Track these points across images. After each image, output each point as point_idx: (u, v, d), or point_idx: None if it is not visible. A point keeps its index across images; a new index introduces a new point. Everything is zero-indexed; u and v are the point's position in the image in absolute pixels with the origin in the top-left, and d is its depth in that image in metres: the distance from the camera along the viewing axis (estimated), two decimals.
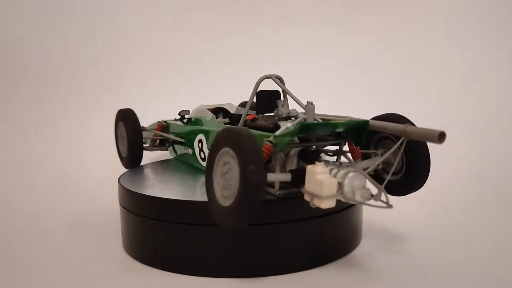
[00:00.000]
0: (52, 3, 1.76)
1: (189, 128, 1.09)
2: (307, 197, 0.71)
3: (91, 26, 1.78)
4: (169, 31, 1.83)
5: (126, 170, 1.14)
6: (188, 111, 1.15)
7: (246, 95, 1.38)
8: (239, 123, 0.93)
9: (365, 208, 0.99)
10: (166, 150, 1.25)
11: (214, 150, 0.74)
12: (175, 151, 1.20)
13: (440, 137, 0.66)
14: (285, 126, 0.83)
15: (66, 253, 0.95)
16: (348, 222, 0.91)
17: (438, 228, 1.06)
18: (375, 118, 0.86)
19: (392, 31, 1.79)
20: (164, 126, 1.22)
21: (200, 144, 1.01)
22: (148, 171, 1.10)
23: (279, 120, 0.89)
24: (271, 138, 0.74)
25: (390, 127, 0.77)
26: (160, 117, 1.27)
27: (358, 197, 0.70)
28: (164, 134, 1.19)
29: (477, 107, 1.66)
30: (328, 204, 0.68)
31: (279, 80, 0.92)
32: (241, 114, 1.12)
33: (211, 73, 1.79)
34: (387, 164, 0.87)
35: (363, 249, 0.94)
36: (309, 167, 0.70)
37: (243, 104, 1.29)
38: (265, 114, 0.97)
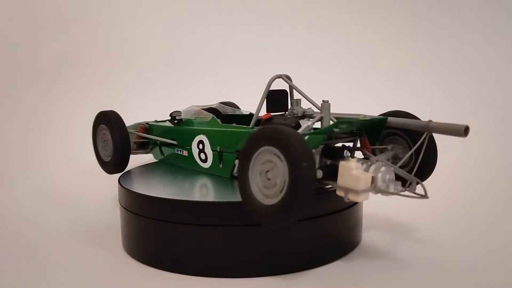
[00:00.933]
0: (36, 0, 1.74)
1: (184, 129, 1.07)
2: (340, 192, 0.74)
3: (73, 23, 1.76)
4: (147, 30, 1.81)
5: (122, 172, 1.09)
6: (180, 112, 1.10)
7: (223, 95, 1.39)
8: (251, 123, 0.90)
9: (364, 208, 1.00)
10: (148, 153, 1.22)
11: (249, 150, 0.74)
12: (162, 154, 1.17)
13: (466, 130, 0.73)
14: (306, 124, 0.84)
15: (66, 253, 0.95)
16: (348, 221, 0.91)
17: (439, 226, 1.07)
18: (382, 116, 0.89)
19: (392, 29, 1.79)
20: (146, 128, 1.19)
21: (200, 145, 1.01)
22: (147, 172, 1.09)
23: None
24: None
25: (412, 123, 0.81)
26: (131, 119, 1.22)
27: (392, 189, 0.75)
28: (150, 136, 1.16)
29: (478, 105, 1.66)
30: (363, 197, 0.72)
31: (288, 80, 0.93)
32: (232, 114, 1.11)
33: (184, 76, 1.77)
34: (394, 158, 0.91)
35: (363, 248, 0.94)
36: (343, 163, 0.73)
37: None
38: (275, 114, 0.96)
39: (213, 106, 1.14)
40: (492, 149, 1.55)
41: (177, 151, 1.09)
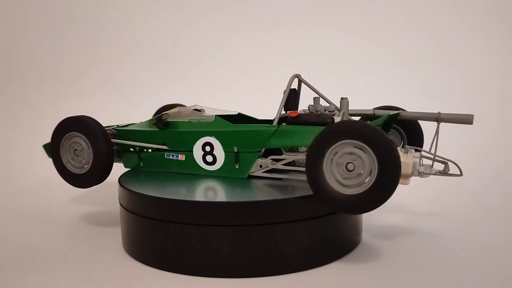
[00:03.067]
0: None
1: (180, 132, 1.00)
2: None
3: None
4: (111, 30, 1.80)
5: (123, 171, 1.05)
6: (168, 114, 1.03)
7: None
8: (275, 121, 0.93)
9: None
10: (118, 162, 1.09)
11: (323, 144, 0.78)
12: (140, 160, 1.06)
13: (473, 119, 0.89)
14: (338, 120, 0.90)
15: (66, 253, 0.95)
16: (348, 221, 0.91)
17: (438, 226, 1.07)
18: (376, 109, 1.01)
19: (391, 27, 1.79)
20: (114, 134, 1.06)
21: (207, 147, 0.97)
22: (147, 172, 1.09)
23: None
24: None
25: (423, 115, 0.94)
26: None
27: (429, 171, 0.86)
28: (129, 142, 1.04)
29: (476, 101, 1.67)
30: (410, 181, 0.85)
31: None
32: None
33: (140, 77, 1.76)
34: None
35: (363, 248, 0.94)
36: None
37: (167, 108, 1.20)
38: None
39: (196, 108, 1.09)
40: (487, 143, 1.56)
41: (168, 156, 1.02)
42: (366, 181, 0.77)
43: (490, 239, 0.99)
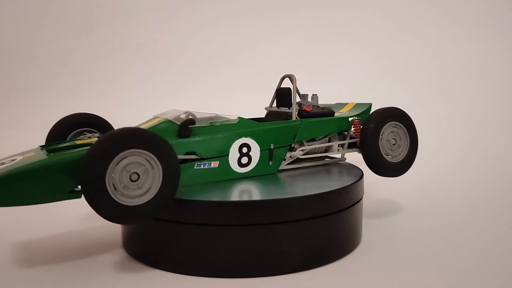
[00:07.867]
0: None
1: (214, 137, 0.92)
2: None
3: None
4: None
5: None
6: (193, 120, 0.92)
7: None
8: (293, 115, 1.03)
9: (364, 208, 1.00)
10: None
11: (379, 124, 1.01)
12: None
13: (371, 106, 1.15)
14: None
15: (65, 253, 0.95)
16: (348, 222, 0.91)
17: (438, 224, 1.07)
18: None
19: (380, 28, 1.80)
20: None
21: (244, 148, 0.95)
22: None
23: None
24: (358, 118, 1.07)
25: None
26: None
27: None
28: (187, 157, 0.90)
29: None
30: None
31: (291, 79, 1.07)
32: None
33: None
34: None
35: (363, 248, 0.94)
36: None
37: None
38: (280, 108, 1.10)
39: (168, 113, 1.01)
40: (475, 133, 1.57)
41: (199, 166, 0.92)
42: (402, 150, 1.04)
43: (490, 231, 0.99)
